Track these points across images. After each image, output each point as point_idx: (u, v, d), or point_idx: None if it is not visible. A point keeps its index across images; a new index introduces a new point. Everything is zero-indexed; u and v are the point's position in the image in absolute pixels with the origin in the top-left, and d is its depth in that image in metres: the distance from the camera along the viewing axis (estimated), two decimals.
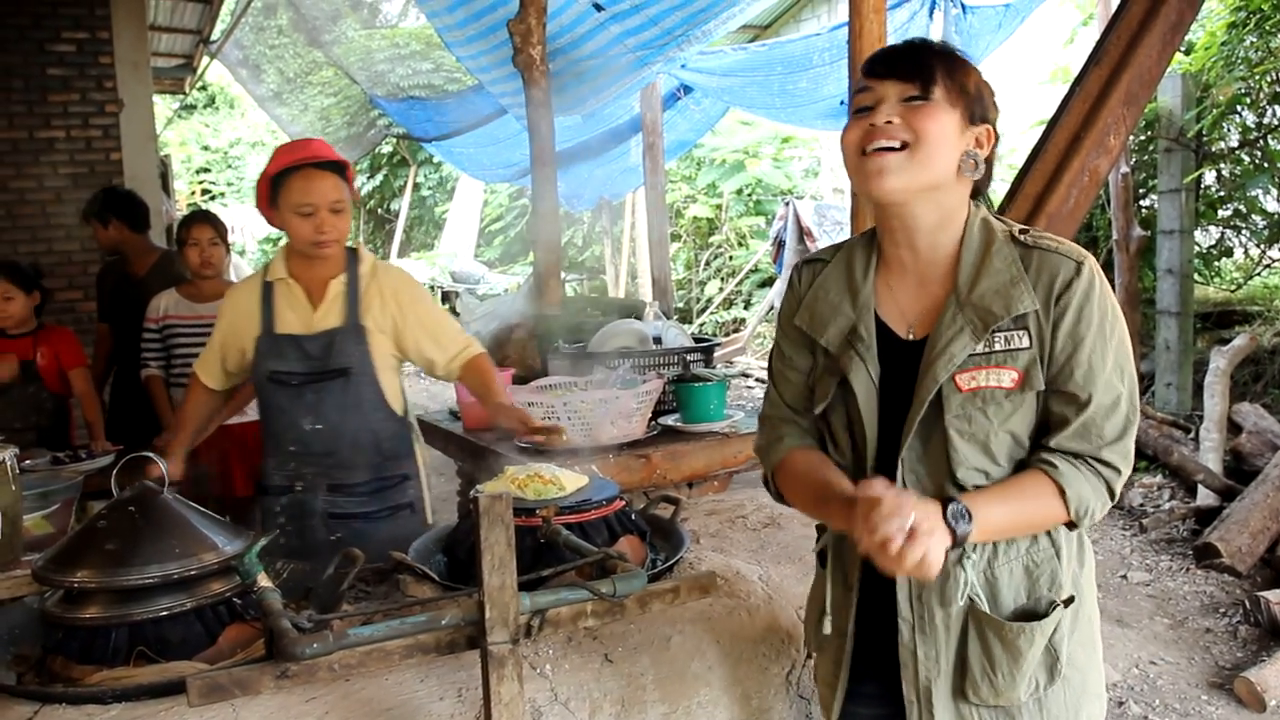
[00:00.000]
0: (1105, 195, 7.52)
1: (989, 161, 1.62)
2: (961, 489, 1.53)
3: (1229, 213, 7.93)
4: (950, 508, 1.43)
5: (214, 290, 4.19)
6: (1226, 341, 7.10)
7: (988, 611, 1.57)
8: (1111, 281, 7.37)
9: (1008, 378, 1.53)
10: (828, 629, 1.66)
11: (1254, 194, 7.61)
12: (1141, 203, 8.00)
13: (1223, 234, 8.12)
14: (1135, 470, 6.24)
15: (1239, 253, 8.32)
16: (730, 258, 13.70)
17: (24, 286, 4.09)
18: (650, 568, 2.14)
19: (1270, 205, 7.78)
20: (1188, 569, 4.97)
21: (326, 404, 2.65)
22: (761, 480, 1.80)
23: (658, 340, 4.21)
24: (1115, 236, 7.47)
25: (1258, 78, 7.07)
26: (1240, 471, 5.75)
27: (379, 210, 19.89)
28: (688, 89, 8.85)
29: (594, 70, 7.09)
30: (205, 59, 10.55)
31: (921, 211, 1.56)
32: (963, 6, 6.82)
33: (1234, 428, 6.23)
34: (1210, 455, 5.94)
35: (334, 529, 2.66)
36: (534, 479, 2.23)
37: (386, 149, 17.70)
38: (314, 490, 2.69)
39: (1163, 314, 7.38)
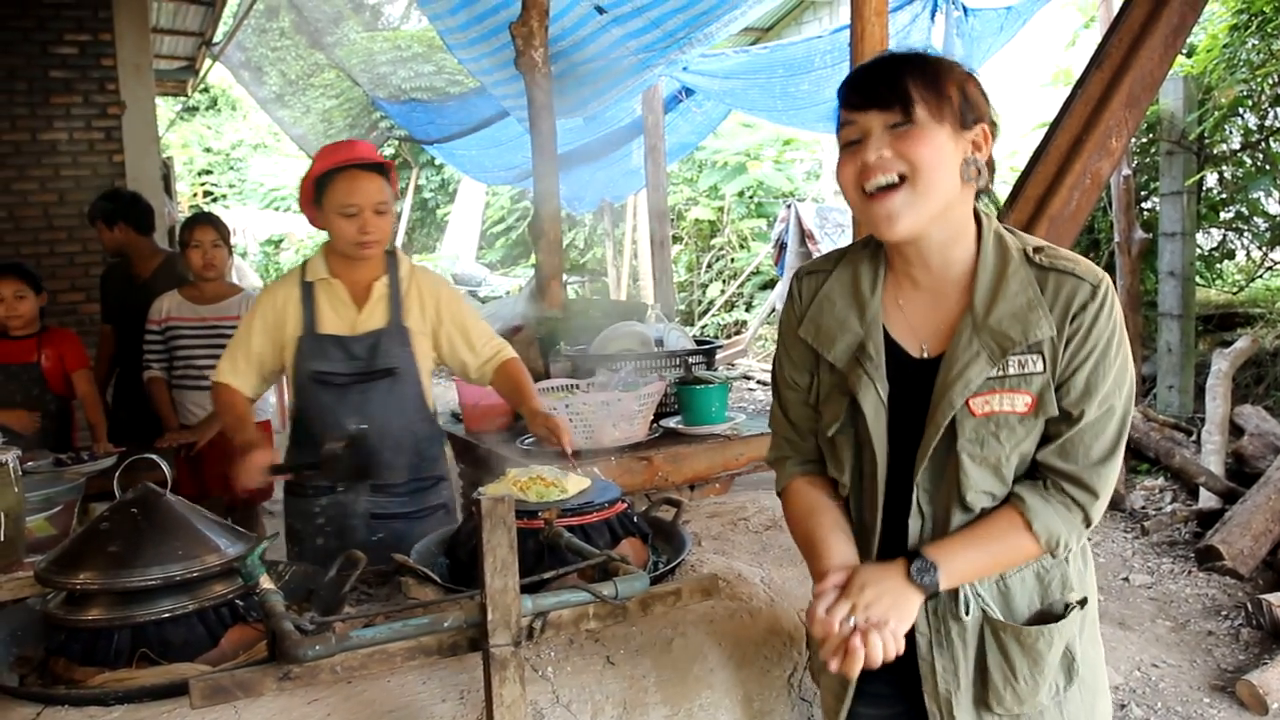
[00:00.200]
0: (1107, 198, 7.51)
1: (989, 161, 1.58)
2: (969, 510, 1.54)
3: (1231, 215, 7.93)
4: (914, 566, 1.49)
5: (216, 292, 4.20)
6: (1228, 344, 7.10)
7: (1002, 619, 1.57)
8: (1114, 283, 7.43)
9: (1021, 402, 1.51)
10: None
11: (1255, 196, 7.61)
12: (1143, 205, 8.00)
13: (1224, 236, 8.12)
14: (1137, 473, 6.24)
15: (1240, 255, 8.32)
16: (732, 260, 13.71)
17: (34, 287, 4.11)
18: (652, 570, 2.14)
19: (1272, 208, 7.78)
20: (1189, 572, 4.97)
21: (372, 404, 2.66)
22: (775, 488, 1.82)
23: (659, 342, 4.22)
24: (1117, 239, 7.47)
25: (1259, 80, 7.07)
26: (1242, 474, 5.74)
27: None
28: (689, 91, 8.85)
29: (596, 73, 7.09)
30: (207, 61, 10.56)
31: (933, 232, 1.53)
32: (964, 9, 6.82)
33: (1236, 430, 6.23)
34: (1212, 458, 5.94)
35: (376, 529, 2.67)
36: (535, 481, 2.23)
37: (388, 151, 17.71)
38: (357, 491, 2.69)
39: (1164, 316, 7.38)
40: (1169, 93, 7.29)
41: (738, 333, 12.74)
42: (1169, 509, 5.75)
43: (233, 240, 4.48)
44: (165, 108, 15.03)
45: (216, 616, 1.77)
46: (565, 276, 6.30)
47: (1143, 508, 5.86)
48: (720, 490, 3.75)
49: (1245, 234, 8.06)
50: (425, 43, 9.30)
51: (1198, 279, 7.67)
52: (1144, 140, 7.82)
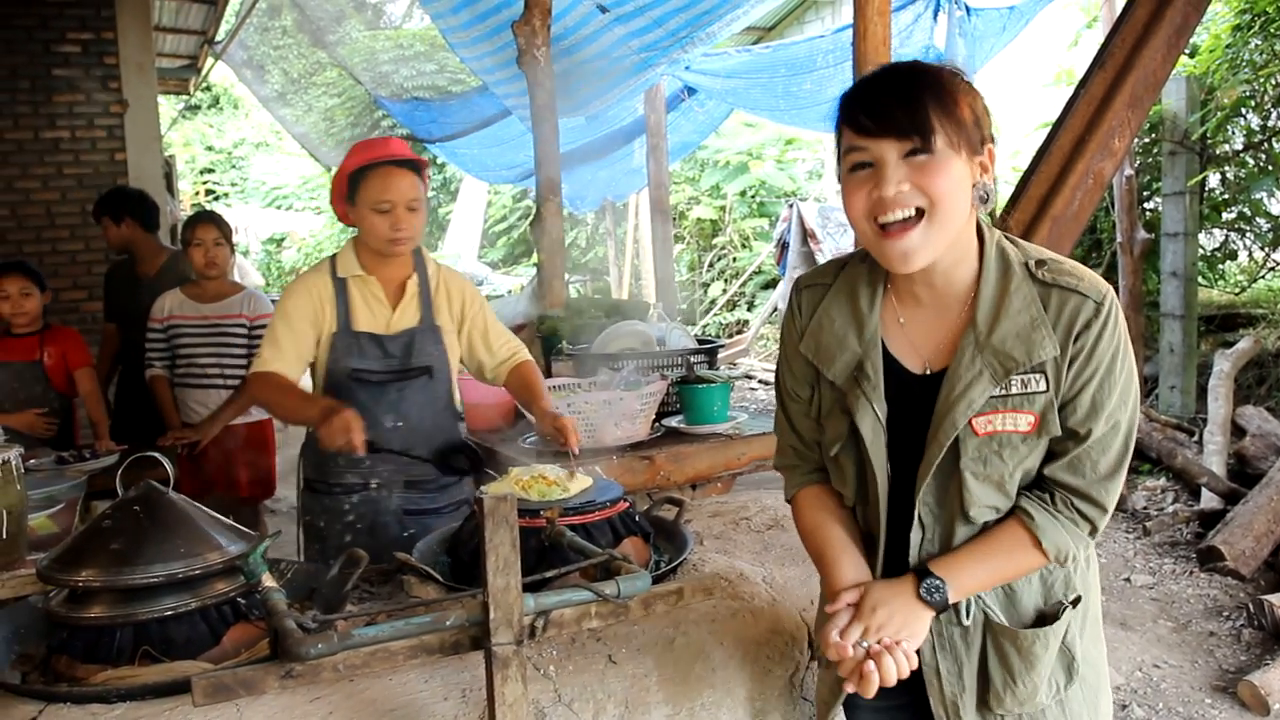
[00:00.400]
0: (1110, 198, 7.51)
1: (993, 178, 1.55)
2: (972, 523, 1.54)
3: (1233, 215, 7.92)
4: (923, 585, 1.50)
5: (218, 290, 4.20)
6: (1230, 344, 7.10)
7: (1003, 622, 1.57)
8: (1115, 284, 7.40)
9: (1024, 421, 1.50)
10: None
11: (1258, 197, 7.60)
12: (1146, 205, 8.00)
13: (1227, 237, 8.12)
14: (1139, 473, 6.24)
15: (1243, 256, 8.31)
16: (734, 259, 13.71)
17: (39, 284, 4.13)
18: (654, 569, 2.14)
19: (1274, 208, 7.77)
20: (1191, 572, 4.96)
21: (408, 402, 2.67)
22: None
23: (661, 342, 4.21)
24: (1119, 239, 7.47)
25: (1262, 81, 7.06)
26: (1244, 475, 5.74)
27: None
28: (691, 91, 8.85)
29: (598, 72, 7.09)
30: (210, 60, 10.56)
31: (941, 257, 1.51)
32: (967, 9, 6.81)
33: (1238, 431, 6.22)
34: (1214, 458, 5.93)
35: (408, 525, 2.67)
36: (538, 480, 2.23)
37: None
38: (390, 487, 2.70)
39: (1166, 317, 7.37)
40: (1172, 93, 7.28)
41: (739, 332, 12.73)
42: (1171, 509, 5.75)
43: (235, 239, 4.48)
44: (167, 106, 15.04)
45: (219, 614, 1.77)
46: (567, 275, 6.30)
47: (1144, 508, 5.86)
48: (722, 489, 3.75)
49: (1247, 234, 8.05)
50: (427, 41, 9.30)
51: (1200, 279, 7.67)
52: (1147, 140, 7.81)
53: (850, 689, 1.50)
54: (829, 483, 1.71)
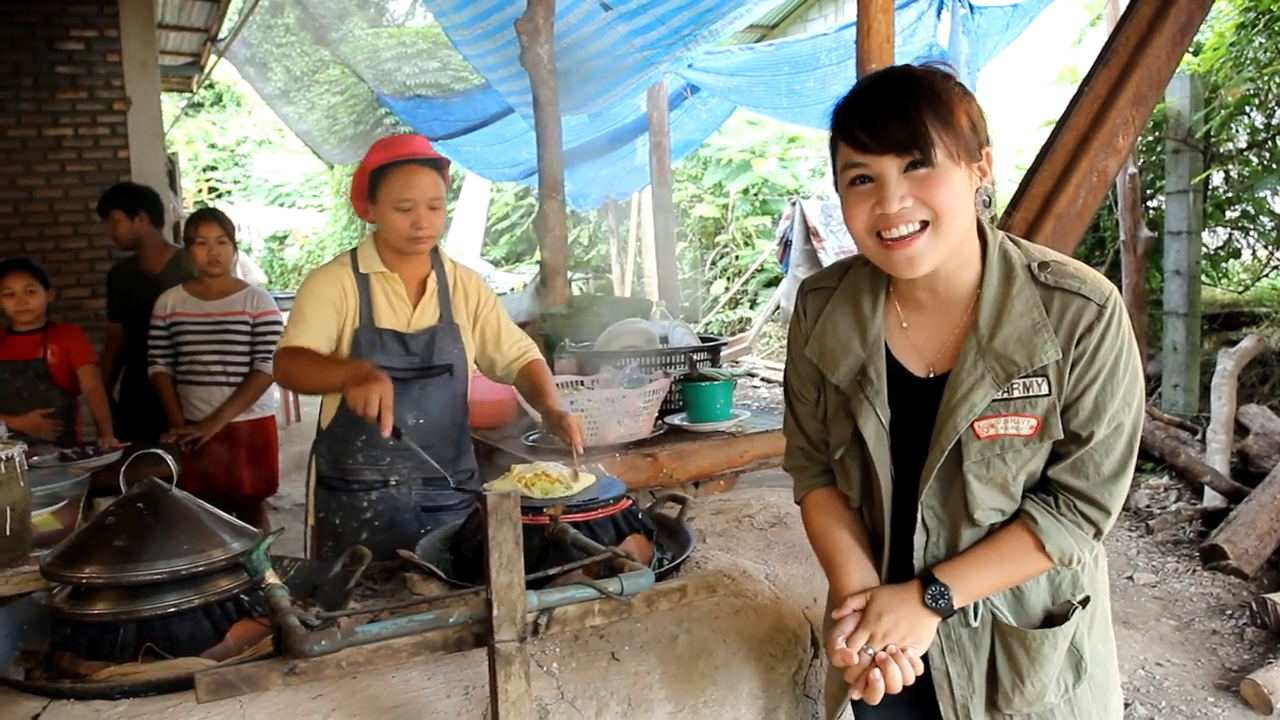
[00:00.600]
0: (1113, 196, 7.50)
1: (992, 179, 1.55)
2: (977, 526, 1.54)
3: (1237, 214, 7.90)
4: (928, 592, 1.51)
5: (221, 288, 4.20)
6: (1234, 343, 7.09)
7: (1011, 623, 1.57)
8: (1119, 282, 7.39)
9: (1026, 425, 1.49)
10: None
11: (1262, 195, 7.58)
12: (1149, 203, 7.99)
13: (1230, 235, 8.10)
14: (1142, 471, 6.23)
15: (1247, 254, 8.29)
16: (736, 257, 13.71)
17: (43, 282, 4.13)
18: (657, 566, 2.14)
19: (1278, 206, 7.75)
20: (1194, 570, 4.96)
21: (430, 399, 2.66)
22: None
23: (664, 339, 4.22)
24: (1123, 237, 7.46)
25: (1266, 79, 7.05)
26: (1247, 473, 5.73)
27: None
28: (694, 88, 8.85)
29: (601, 69, 7.09)
30: (213, 57, 10.57)
31: (945, 262, 1.50)
32: (970, 6, 6.80)
33: (1241, 429, 6.21)
34: (1217, 457, 5.93)
35: (426, 522, 2.67)
36: (540, 478, 2.23)
37: None
38: (409, 485, 2.71)
39: (1170, 315, 7.36)
40: (1175, 91, 7.27)
41: (742, 330, 12.73)
42: (1174, 508, 5.74)
43: (238, 236, 4.48)
44: (170, 103, 15.05)
45: (222, 611, 1.77)
46: (570, 273, 6.30)
47: (1147, 506, 5.86)
48: (725, 487, 3.75)
49: (1251, 233, 8.04)
50: (430, 39, 9.29)
51: (1203, 278, 7.65)
52: (1150, 138, 7.80)
53: (856, 695, 1.51)
54: (837, 485, 1.72)
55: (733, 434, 3.64)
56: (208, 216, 4.19)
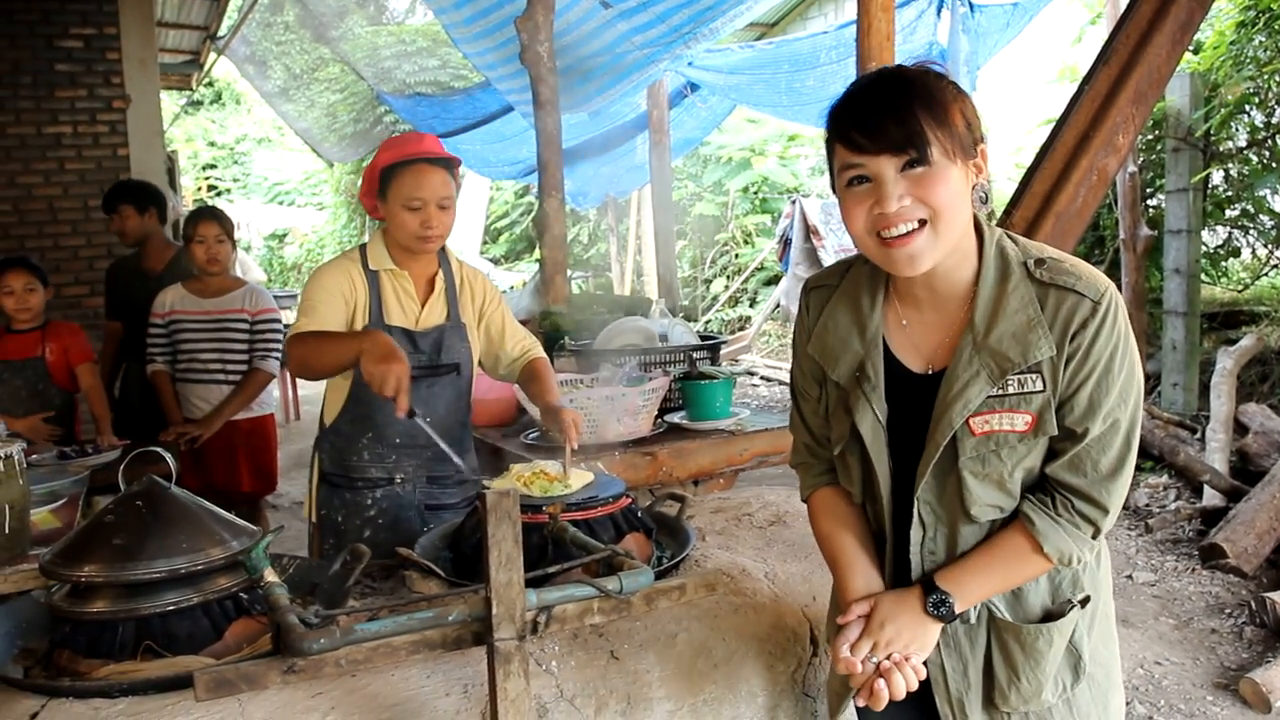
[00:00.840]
0: (1113, 194, 7.50)
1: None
2: (975, 522, 1.55)
3: (1236, 213, 7.90)
4: (929, 600, 1.53)
5: (220, 286, 4.20)
6: (1233, 342, 7.09)
7: (1007, 618, 1.58)
8: (1118, 281, 7.38)
9: (1021, 421, 1.50)
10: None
11: (1262, 194, 7.58)
12: (1149, 202, 7.99)
13: (1230, 234, 8.10)
14: (1141, 470, 6.23)
15: (1246, 253, 8.29)
16: (736, 255, 13.70)
17: (42, 280, 4.13)
18: (656, 565, 2.14)
19: (1278, 205, 7.75)
20: (1193, 569, 4.96)
21: (437, 398, 2.65)
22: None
23: (664, 338, 4.21)
24: (1122, 236, 7.46)
25: (1266, 77, 7.05)
26: (1246, 472, 5.73)
27: None
28: (694, 86, 8.84)
29: (601, 67, 7.09)
30: (212, 55, 10.57)
31: (944, 259, 1.51)
32: (970, 5, 6.80)
33: (1240, 428, 6.21)
34: (1216, 456, 5.93)
35: (429, 520, 2.67)
36: (539, 476, 2.23)
37: None
38: (414, 483, 2.71)
39: (1169, 314, 7.36)
40: (1175, 89, 7.27)
41: (742, 328, 12.73)
42: (1173, 507, 5.74)
43: (237, 234, 4.47)
44: (170, 102, 15.04)
45: (221, 609, 1.77)
46: (569, 271, 6.30)
47: (1146, 505, 5.86)
48: (724, 485, 3.75)
49: (1251, 231, 8.04)
50: (430, 37, 9.28)
51: (1203, 276, 7.65)
52: (1150, 137, 7.80)
53: (861, 703, 1.55)
54: (837, 481, 1.73)
55: (732, 432, 3.64)
56: (207, 215, 4.19)
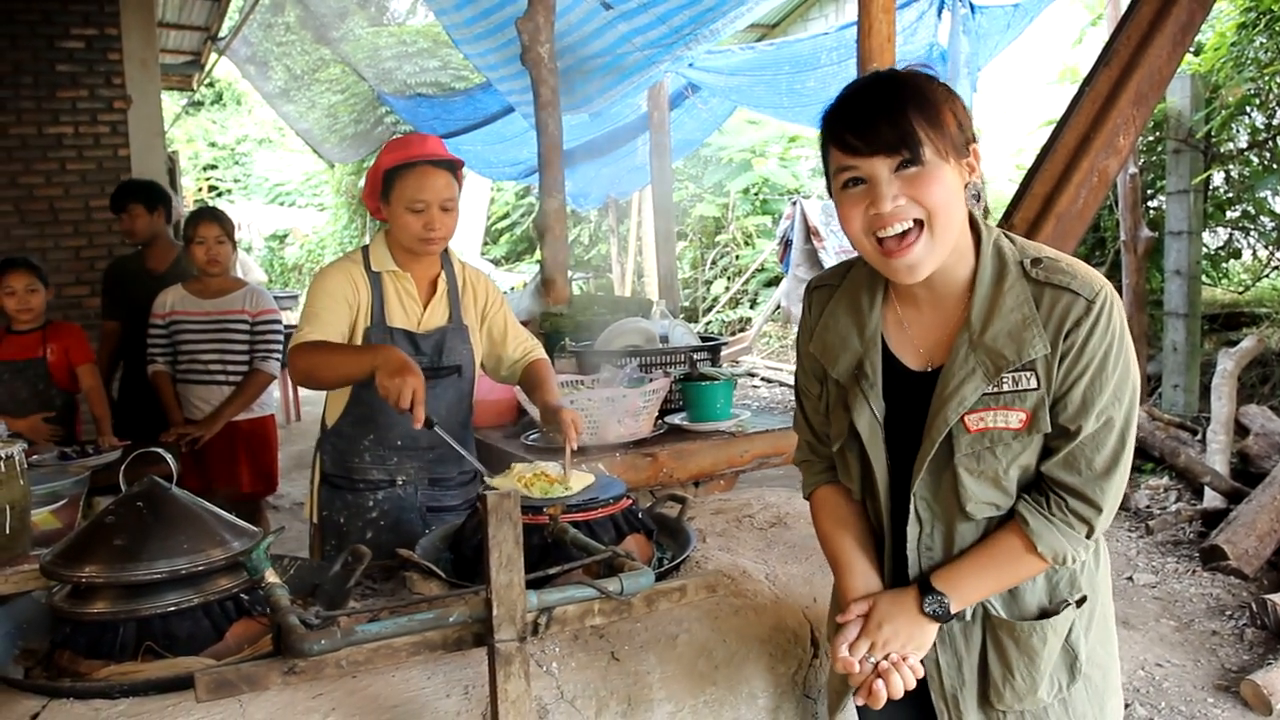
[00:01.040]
0: (1114, 196, 7.50)
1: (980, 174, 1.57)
2: (971, 519, 1.57)
3: (1237, 214, 7.90)
4: (926, 601, 1.56)
5: (220, 287, 4.20)
6: (1234, 343, 7.09)
7: (1001, 615, 1.60)
8: (1119, 282, 7.38)
9: (1015, 419, 1.51)
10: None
11: (1263, 195, 7.58)
12: (1150, 204, 7.99)
13: (1231, 235, 8.10)
14: (1142, 472, 6.23)
15: (1247, 254, 8.29)
16: (737, 257, 13.70)
17: (43, 281, 4.13)
18: (657, 566, 2.14)
19: (1279, 206, 7.75)
20: (1194, 571, 4.96)
21: (439, 400, 2.64)
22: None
23: (664, 339, 4.22)
24: (1123, 237, 7.45)
25: (1267, 79, 7.05)
26: (1247, 474, 5.73)
27: None
28: (695, 88, 8.85)
29: (602, 69, 7.09)
30: (213, 56, 10.57)
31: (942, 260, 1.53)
32: (971, 6, 6.80)
33: (1241, 430, 6.21)
34: (1217, 457, 5.93)
35: (431, 522, 2.67)
36: (540, 477, 2.23)
37: None
38: (416, 485, 2.71)
39: (1170, 315, 7.36)
40: (1176, 91, 7.27)
41: (742, 330, 12.73)
42: (1173, 508, 5.74)
43: (238, 235, 4.47)
44: (171, 102, 15.04)
45: (221, 610, 1.77)
46: (570, 272, 6.30)
47: (1147, 507, 5.85)
48: (725, 487, 3.75)
49: (1252, 233, 8.04)
50: (431, 38, 9.29)
51: (1204, 278, 7.65)
52: (1151, 138, 7.80)
53: (860, 701, 1.57)
54: (839, 480, 1.75)
55: (733, 434, 3.64)
56: (207, 216, 4.18)
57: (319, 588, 1.97)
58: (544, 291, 5.32)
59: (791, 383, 1.89)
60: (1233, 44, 7.12)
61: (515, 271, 15.98)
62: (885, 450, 1.62)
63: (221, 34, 9.69)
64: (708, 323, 13.15)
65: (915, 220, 1.45)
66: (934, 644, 1.61)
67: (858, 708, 1.73)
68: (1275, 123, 7.42)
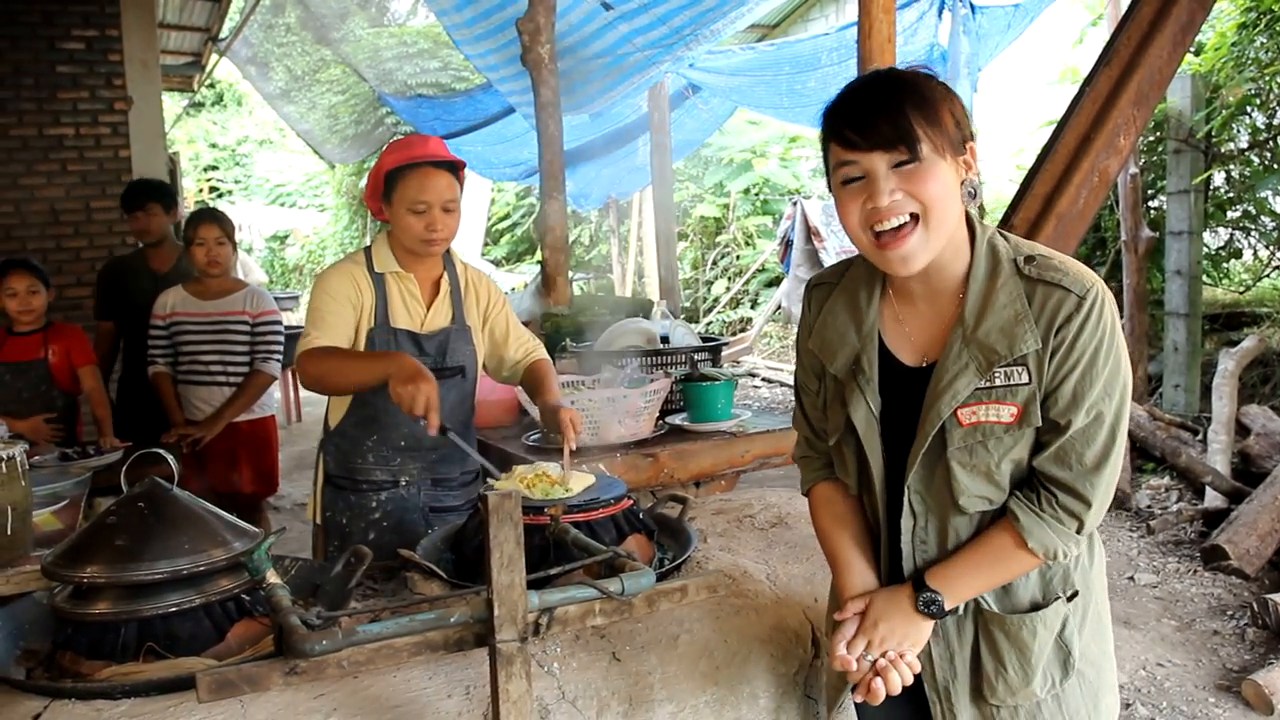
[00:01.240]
0: (1114, 196, 7.50)
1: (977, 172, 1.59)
2: (964, 512, 1.59)
3: (1238, 214, 7.90)
4: (920, 599, 1.59)
5: (220, 288, 4.19)
6: (1235, 343, 7.09)
7: (993, 609, 1.62)
8: (1119, 283, 7.37)
9: (1007, 413, 1.54)
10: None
11: (1263, 195, 7.58)
12: (1150, 204, 7.98)
13: (1231, 235, 8.10)
14: (1143, 472, 6.23)
15: (1248, 254, 8.29)
16: (737, 257, 13.70)
17: (44, 282, 4.13)
18: (658, 566, 2.14)
19: (1279, 207, 7.75)
20: (1195, 571, 4.96)
21: (443, 401, 2.62)
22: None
23: (665, 339, 4.21)
24: (1124, 237, 7.45)
25: (1268, 78, 7.05)
26: (1248, 474, 5.73)
27: None
28: (695, 88, 8.85)
29: (602, 69, 7.09)
30: (214, 56, 10.57)
31: (934, 256, 1.55)
32: (971, 6, 6.81)
33: (1242, 430, 6.21)
34: (1218, 457, 5.92)
35: (434, 522, 2.67)
36: (541, 478, 2.23)
37: None
38: (418, 485, 2.71)
39: (1171, 315, 7.36)
40: (1177, 91, 7.27)
41: (743, 330, 12.73)
42: (1175, 508, 5.74)
43: (238, 236, 4.46)
44: (171, 103, 15.05)
45: (223, 611, 1.77)
46: (571, 273, 6.30)
47: (1148, 507, 5.85)
48: (726, 487, 3.75)
49: (1252, 233, 8.04)
50: (431, 39, 9.30)
51: (1204, 278, 7.65)
52: (1151, 139, 7.80)
53: (858, 699, 1.60)
54: (840, 479, 1.77)
55: (734, 434, 3.64)
56: (207, 217, 4.18)
57: (320, 588, 1.97)
58: (545, 292, 5.32)
59: (792, 383, 1.92)
60: (1233, 44, 7.12)
61: (516, 272, 15.98)
62: (881, 444, 1.65)
63: (222, 35, 9.69)
64: (708, 323, 13.15)
65: (911, 214, 1.49)
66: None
67: (856, 705, 1.76)
68: (1276, 123, 7.42)
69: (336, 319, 2.54)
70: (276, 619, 1.49)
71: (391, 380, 2.30)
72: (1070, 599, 1.63)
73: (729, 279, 13.67)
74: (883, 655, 1.59)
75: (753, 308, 13.19)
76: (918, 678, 1.62)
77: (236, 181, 22.32)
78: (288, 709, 1.60)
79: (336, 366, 2.46)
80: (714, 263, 13.97)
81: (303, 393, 9.66)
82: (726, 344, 6.95)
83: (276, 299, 4.45)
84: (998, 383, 1.53)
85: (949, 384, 1.54)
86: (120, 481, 1.94)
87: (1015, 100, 10.71)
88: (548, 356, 2.89)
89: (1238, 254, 8.22)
